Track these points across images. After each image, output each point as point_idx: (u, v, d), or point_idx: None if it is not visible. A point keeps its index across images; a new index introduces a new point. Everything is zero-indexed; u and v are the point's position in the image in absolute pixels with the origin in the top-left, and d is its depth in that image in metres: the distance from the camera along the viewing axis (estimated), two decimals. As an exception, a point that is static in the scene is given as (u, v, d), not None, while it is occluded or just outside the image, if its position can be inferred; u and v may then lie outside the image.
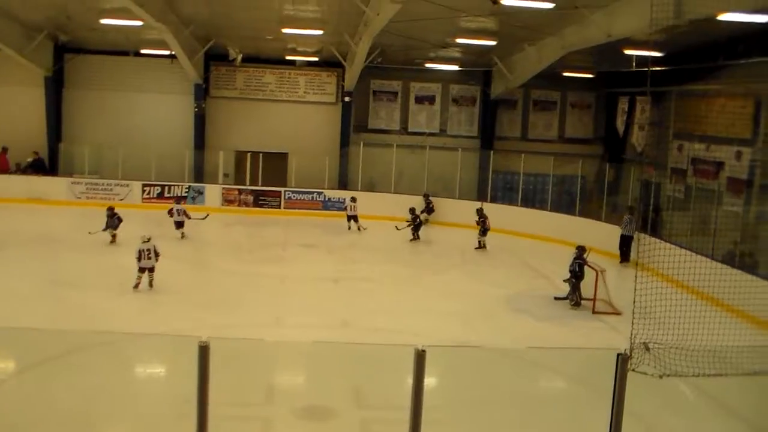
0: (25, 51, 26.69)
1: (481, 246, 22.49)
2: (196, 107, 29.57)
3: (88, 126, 29.74)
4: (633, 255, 20.75)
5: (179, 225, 21.94)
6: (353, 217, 24.94)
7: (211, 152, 29.19)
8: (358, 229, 24.48)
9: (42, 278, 16.71)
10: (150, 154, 27.92)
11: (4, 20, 24.79)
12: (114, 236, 20.16)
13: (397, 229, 23.55)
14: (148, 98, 30.14)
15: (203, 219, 23.04)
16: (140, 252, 15.67)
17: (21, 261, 18.11)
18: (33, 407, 9.34)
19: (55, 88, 29.23)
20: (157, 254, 15.81)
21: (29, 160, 28.38)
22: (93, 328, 12.22)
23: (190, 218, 22.21)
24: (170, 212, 22.13)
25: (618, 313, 15.58)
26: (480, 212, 22.98)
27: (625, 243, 21.38)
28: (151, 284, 15.80)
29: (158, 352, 12.34)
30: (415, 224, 23.36)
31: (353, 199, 25.40)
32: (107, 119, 29.79)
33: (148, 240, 15.80)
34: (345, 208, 25.78)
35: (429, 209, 26.33)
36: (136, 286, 15.70)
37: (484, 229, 22.57)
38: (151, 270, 15.76)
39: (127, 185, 27.48)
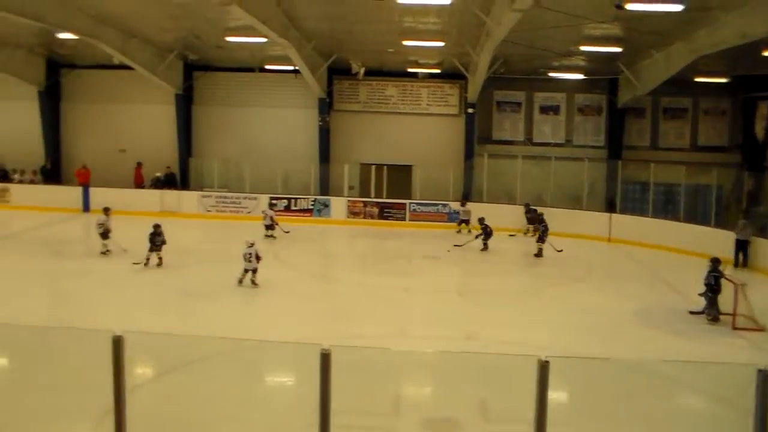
0: (157, 70, 28.03)
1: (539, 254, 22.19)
2: (320, 121, 30.15)
3: (216, 141, 30.89)
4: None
5: (269, 228, 23.50)
6: (465, 221, 25.80)
7: (336, 165, 29.68)
8: (469, 231, 24.81)
9: (173, 289, 17.35)
10: (276, 168, 28.68)
11: (138, 43, 26.13)
12: (160, 260, 19.15)
13: (511, 236, 23.50)
14: (274, 113, 30.98)
15: (286, 232, 23.95)
16: (244, 255, 16.95)
17: (153, 272, 18.89)
18: (164, 413, 9.64)
19: (185, 105, 30.51)
20: (258, 257, 17.03)
21: (158, 174, 29.73)
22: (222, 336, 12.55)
23: (277, 225, 23.73)
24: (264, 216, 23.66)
25: (761, 329, 14.73)
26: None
27: (741, 247, 20.97)
28: (254, 282, 16.99)
29: (284, 360, 12.56)
30: (486, 233, 22.90)
31: (463, 203, 26.74)
32: (234, 134, 30.84)
33: (252, 245, 17.07)
34: (458, 212, 26.46)
35: (531, 220, 25.65)
36: (240, 281, 17.05)
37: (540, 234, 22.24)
38: (254, 271, 17.01)
39: (255, 198, 28.28)
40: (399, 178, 29.36)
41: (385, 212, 28.03)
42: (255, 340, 12.49)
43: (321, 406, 4.25)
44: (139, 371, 11.87)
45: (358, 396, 9.55)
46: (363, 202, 28.35)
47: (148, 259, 18.77)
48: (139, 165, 30.06)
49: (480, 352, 12.12)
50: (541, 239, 22.09)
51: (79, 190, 29.16)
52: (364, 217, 28.00)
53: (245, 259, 17.05)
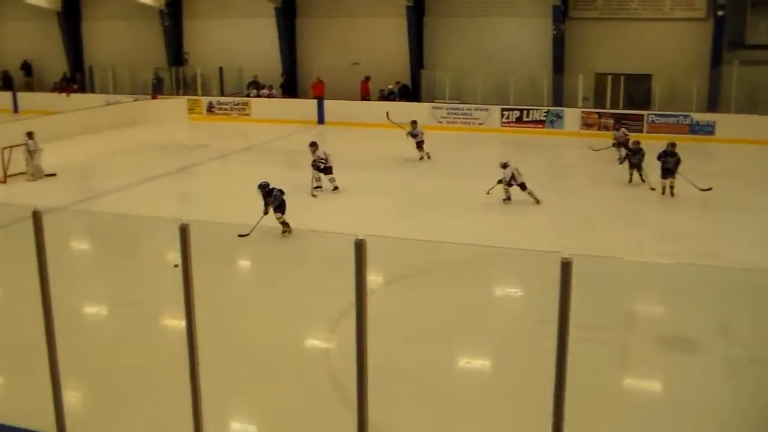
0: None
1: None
2: (554, 29, 29.02)
3: (448, 52, 30.70)
4: None
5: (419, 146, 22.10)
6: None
7: (570, 75, 28.60)
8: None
9: (404, 198, 17.72)
10: (508, 79, 28.17)
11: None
12: (286, 229, 14.28)
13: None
14: (506, 22, 30.19)
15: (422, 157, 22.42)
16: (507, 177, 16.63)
17: (384, 182, 19.41)
18: (399, 319, 9.90)
19: (416, 17, 30.45)
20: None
21: (390, 87, 30.13)
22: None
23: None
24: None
25: None
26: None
27: None
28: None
29: (516, 269, 12.51)
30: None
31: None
32: (466, 45, 30.46)
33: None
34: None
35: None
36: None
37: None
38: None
39: (487, 110, 28.04)
40: (636, 88, 27.82)
41: (621, 123, 26.75)
42: (495, 248, 12.52)
43: (560, 316, 4.08)
44: (373, 277, 12.34)
45: (591, 309, 9.31)
46: (597, 113, 27.23)
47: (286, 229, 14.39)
48: (367, 79, 30.67)
49: (724, 267, 11.35)
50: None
51: (314, 102, 30.33)
52: (599, 129, 26.89)
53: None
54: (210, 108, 31.79)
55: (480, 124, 27.79)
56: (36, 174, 19.96)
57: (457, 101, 29.20)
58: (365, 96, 30.63)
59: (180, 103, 32.27)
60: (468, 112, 28.30)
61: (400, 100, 29.78)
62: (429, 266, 12.31)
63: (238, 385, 8.38)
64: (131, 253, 13.75)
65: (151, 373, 8.73)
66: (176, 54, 34.50)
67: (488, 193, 16.76)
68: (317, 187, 18.00)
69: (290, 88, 32.45)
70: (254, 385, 8.61)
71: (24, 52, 37.73)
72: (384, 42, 31.45)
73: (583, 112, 27.39)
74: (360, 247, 4.41)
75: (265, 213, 13.95)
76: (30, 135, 19.95)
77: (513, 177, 16.66)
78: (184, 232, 4.86)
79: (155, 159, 23.66)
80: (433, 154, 22.01)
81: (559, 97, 28.64)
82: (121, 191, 18.71)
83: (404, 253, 12.49)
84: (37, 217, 5.42)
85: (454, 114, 28.47)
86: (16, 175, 19.84)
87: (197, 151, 24.59)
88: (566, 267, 4.26)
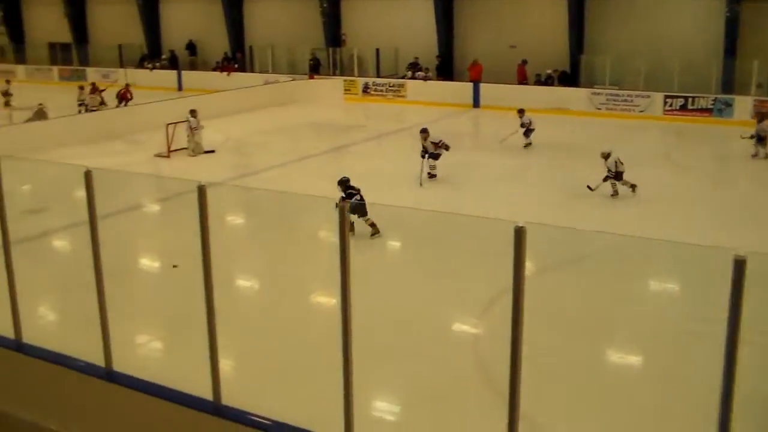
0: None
1: None
2: (727, 11, 27.34)
3: (609, 35, 29.51)
4: None
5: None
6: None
7: (743, 60, 26.83)
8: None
9: (559, 186, 17.25)
10: (673, 64, 26.83)
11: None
12: (375, 231, 13.22)
13: None
14: (673, 3, 28.73)
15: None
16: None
17: (541, 169, 18.97)
18: (552, 306, 9.63)
19: (577, -2, 29.54)
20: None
21: (549, 71, 29.36)
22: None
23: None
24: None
25: None
26: None
27: None
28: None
29: (676, 263, 11.91)
30: None
31: None
32: (629, 27, 29.13)
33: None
34: None
35: None
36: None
37: None
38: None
39: (648, 96, 26.84)
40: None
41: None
42: (655, 240, 11.99)
43: (730, 316, 3.79)
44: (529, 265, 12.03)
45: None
46: (772, 101, 25.52)
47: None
48: (524, 62, 29.99)
49: None
50: None
51: (470, 86, 30.03)
52: (772, 119, 25.19)
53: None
54: (365, 89, 32.15)
55: (641, 111, 26.66)
56: (196, 150, 20.85)
57: (616, 87, 28.12)
58: (522, 80, 30.03)
59: (336, 83, 32.84)
60: (629, 98, 27.19)
61: (559, 85, 29.02)
62: (582, 255, 11.91)
63: (385, 363, 8.39)
64: (287, 229, 14.07)
65: (304, 348, 8.90)
66: (334, 35, 35.06)
67: (592, 189, 16.03)
68: (431, 176, 17.39)
69: (445, 70, 32.28)
70: (401, 364, 8.61)
71: (189, 32, 39.58)
72: (543, 24, 30.62)
73: (755, 99, 25.68)
74: (519, 234, 4.26)
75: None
76: (192, 113, 20.84)
77: (616, 166, 16.00)
78: (342, 211, 4.90)
79: (311, 138, 24.20)
80: (590, 141, 21.29)
81: (729, 84, 26.97)
82: (276, 168, 19.26)
83: (557, 241, 12.15)
84: (202, 191, 5.58)
85: (614, 101, 27.42)
86: (177, 150, 20.78)
87: (352, 132, 24.94)
88: (740, 265, 3.94)
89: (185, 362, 8.24)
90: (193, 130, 20.79)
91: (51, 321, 10.37)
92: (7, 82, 29.83)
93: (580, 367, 8.59)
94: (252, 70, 36.87)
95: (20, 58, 44.08)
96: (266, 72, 35.57)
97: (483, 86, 29.63)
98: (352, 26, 35.18)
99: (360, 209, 12.76)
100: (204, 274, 5.72)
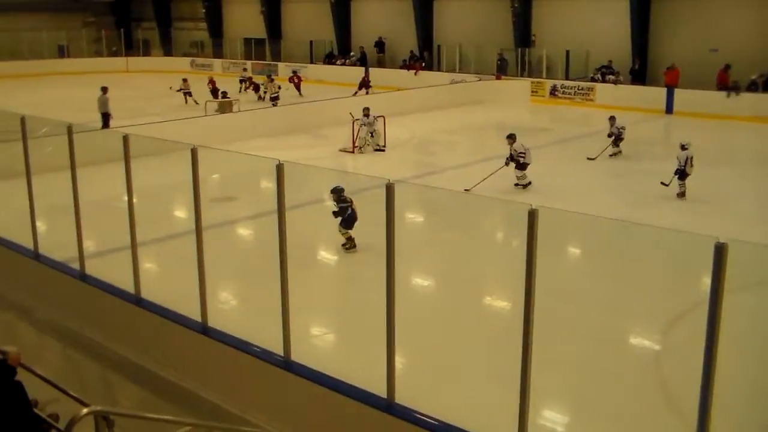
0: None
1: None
2: None
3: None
4: None
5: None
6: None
7: None
8: None
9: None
10: None
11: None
12: (349, 244, 12.46)
13: None
14: None
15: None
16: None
17: (737, 179, 17.89)
18: (746, 328, 9.05)
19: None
20: None
21: (753, 77, 27.44)
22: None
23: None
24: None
25: None
26: None
27: None
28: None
29: None
30: None
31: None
32: None
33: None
34: None
35: None
36: None
37: None
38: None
39: None
40: None
41: None
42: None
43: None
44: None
45: None
46: None
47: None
48: (727, 67, 28.05)
49: None
50: None
51: (663, 90, 28.73)
52: None
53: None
54: (553, 91, 31.60)
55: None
56: (365, 148, 21.15)
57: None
58: (722, 86, 28.23)
59: (524, 84, 32.51)
60: None
61: (764, 92, 27.06)
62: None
63: (560, 373, 8.20)
64: (467, 229, 14.04)
65: (479, 350, 8.87)
66: (523, 35, 34.63)
67: (666, 185, 15.09)
68: (517, 185, 16.64)
69: (639, 74, 31.02)
70: (576, 376, 8.39)
71: (378, 30, 40.47)
72: (747, 26, 28.70)
73: None
74: (720, 251, 4.05)
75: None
76: (365, 111, 21.16)
77: (687, 162, 15.06)
78: (532, 216, 4.87)
79: (494, 139, 23.97)
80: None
81: None
82: (458, 168, 19.26)
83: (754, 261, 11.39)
84: (390, 189, 5.70)
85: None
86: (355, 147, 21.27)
87: (538, 134, 24.55)
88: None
89: (359, 356, 8.45)
90: (367, 127, 21.13)
91: (233, 307, 10.87)
92: (184, 80, 31.48)
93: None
94: (439, 69, 37.17)
95: (217, 52, 46.98)
96: (453, 71, 35.69)
97: (678, 92, 28.27)
98: (543, 27, 34.58)
99: (352, 222, 12.17)
100: (387, 273, 5.82)
